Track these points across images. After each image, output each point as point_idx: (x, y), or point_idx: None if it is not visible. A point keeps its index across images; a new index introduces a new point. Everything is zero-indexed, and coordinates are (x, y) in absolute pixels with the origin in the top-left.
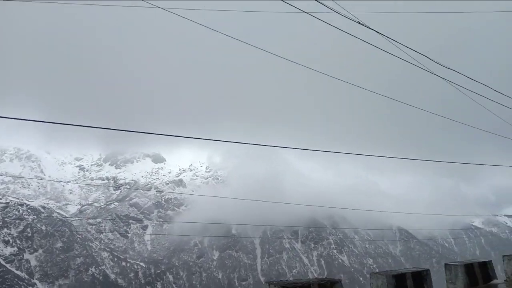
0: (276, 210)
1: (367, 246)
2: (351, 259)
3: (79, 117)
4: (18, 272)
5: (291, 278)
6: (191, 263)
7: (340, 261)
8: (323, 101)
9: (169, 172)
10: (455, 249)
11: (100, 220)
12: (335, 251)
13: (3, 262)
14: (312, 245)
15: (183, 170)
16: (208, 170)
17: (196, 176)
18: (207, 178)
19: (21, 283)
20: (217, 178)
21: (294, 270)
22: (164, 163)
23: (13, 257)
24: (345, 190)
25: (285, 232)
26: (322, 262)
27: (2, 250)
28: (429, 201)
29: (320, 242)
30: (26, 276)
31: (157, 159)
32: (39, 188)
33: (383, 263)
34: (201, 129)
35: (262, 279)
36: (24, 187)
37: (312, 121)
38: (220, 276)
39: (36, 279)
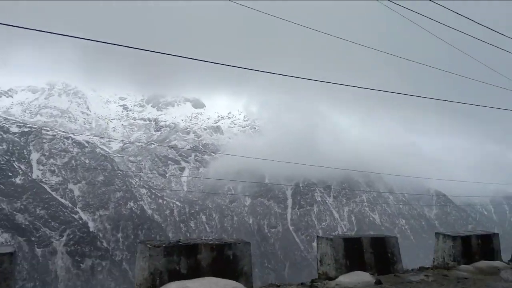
0: (311, 162)
1: (401, 206)
2: (382, 217)
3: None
4: (62, 200)
5: (319, 231)
6: (223, 207)
7: (371, 218)
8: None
9: (208, 118)
10: (494, 218)
11: (140, 158)
12: (367, 208)
13: (49, 190)
14: (344, 200)
15: (221, 117)
16: (246, 119)
17: (234, 124)
18: (245, 127)
19: (65, 210)
20: (254, 128)
21: (324, 223)
22: (204, 109)
23: (58, 186)
24: (383, 148)
25: (318, 185)
26: (353, 218)
27: (48, 179)
28: (471, 166)
29: (353, 199)
30: (70, 205)
31: (197, 104)
32: (85, 124)
33: (416, 225)
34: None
35: (291, 228)
36: (71, 122)
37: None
38: (250, 221)
39: (78, 208)
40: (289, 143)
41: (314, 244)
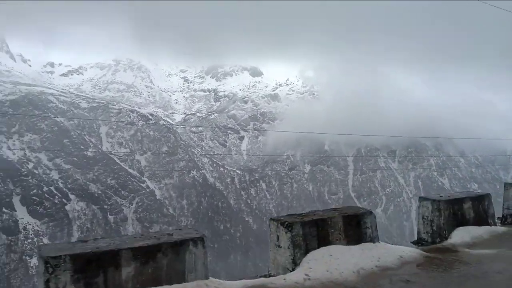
0: (373, 128)
1: (473, 170)
2: (452, 182)
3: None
4: (131, 170)
5: (383, 197)
6: (283, 174)
7: (440, 183)
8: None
9: (266, 86)
10: None
11: (201, 129)
12: (435, 173)
13: (117, 161)
14: (410, 165)
15: (280, 85)
16: (304, 85)
17: (292, 91)
18: (303, 93)
19: (133, 179)
20: (313, 94)
21: (388, 189)
22: (261, 77)
23: (126, 157)
24: (453, 109)
25: (381, 151)
26: (420, 183)
27: (117, 151)
28: None
29: (420, 163)
30: (137, 174)
31: (255, 72)
32: (149, 97)
33: (490, 189)
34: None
35: (352, 194)
36: (136, 96)
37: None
38: (310, 188)
39: (145, 177)
40: (349, 108)
41: (378, 210)
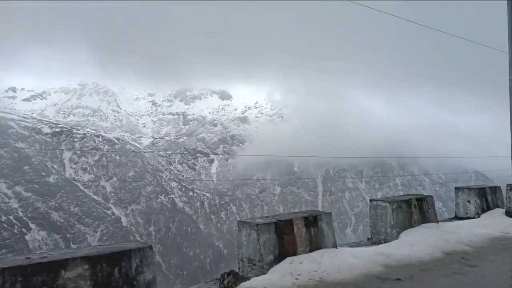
0: (340, 149)
1: (437, 189)
2: None
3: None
4: (95, 197)
5: (352, 217)
6: (253, 197)
7: None
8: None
9: (235, 109)
10: None
11: (170, 152)
12: (401, 192)
13: (81, 187)
14: (377, 185)
15: (248, 107)
16: (273, 108)
17: (261, 113)
18: (272, 115)
19: (97, 206)
20: (282, 116)
21: (356, 209)
22: (231, 100)
23: (90, 183)
24: (415, 129)
25: (349, 171)
26: None
27: (80, 176)
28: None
29: (386, 183)
30: (102, 201)
31: (224, 95)
32: (116, 121)
33: (454, 207)
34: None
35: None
36: (102, 120)
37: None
38: (281, 210)
39: (111, 203)
40: (317, 130)
41: (347, 231)
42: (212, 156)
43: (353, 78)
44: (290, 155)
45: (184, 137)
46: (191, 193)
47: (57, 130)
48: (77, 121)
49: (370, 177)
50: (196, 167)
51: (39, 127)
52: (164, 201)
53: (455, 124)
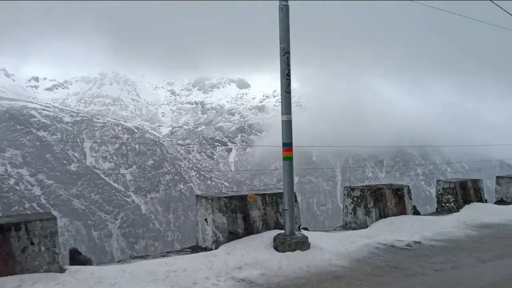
0: (360, 138)
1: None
2: None
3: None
4: (115, 185)
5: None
6: (271, 185)
7: (427, 193)
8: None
9: (253, 98)
10: None
11: (189, 141)
12: (422, 182)
13: (102, 175)
14: (398, 175)
15: (267, 96)
16: (293, 96)
17: (280, 102)
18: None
19: (118, 194)
20: (300, 105)
21: None
22: (249, 89)
23: (110, 171)
24: (437, 118)
25: (369, 161)
26: None
27: (101, 165)
28: None
29: (407, 173)
30: (122, 189)
31: (242, 84)
32: (135, 110)
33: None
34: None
35: (341, 205)
36: (122, 109)
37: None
38: (299, 200)
39: (131, 191)
40: (336, 118)
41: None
42: (230, 145)
43: (372, 65)
44: (309, 145)
45: (203, 126)
46: (209, 182)
47: (78, 119)
48: (98, 110)
49: (390, 166)
50: (214, 156)
51: (60, 116)
52: (182, 190)
53: (479, 113)
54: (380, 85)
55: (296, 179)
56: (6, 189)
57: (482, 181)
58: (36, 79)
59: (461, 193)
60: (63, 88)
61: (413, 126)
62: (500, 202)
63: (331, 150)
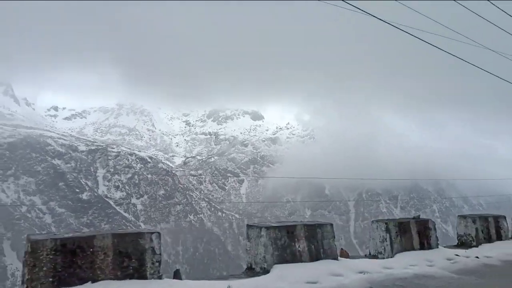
0: (373, 172)
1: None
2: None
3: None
4: (126, 214)
5: None
6: (282, 219)
7: (444, 230)
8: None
9: (267, 130)
10: None
11: (201, 172)
12: (439, 219)
13: (113, 204)
14: (413, 211)
15: (280, 128)
16: (305, 129)
17: (293, 134)
18: (303, 137)
19: (128, 224)
20: (313, 138)
21: None
22: (262, 121)
23: (122, 200)
24: (452, 154)
25: (383, 196)
26: None
27: (113, 194)
28: None
29: (422, 209)
30: (133, 218)
31: (256, 116)
32: (150, 140)
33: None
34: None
35: (354, 241)
36: (137, 139)
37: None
38: None
39: (141, 221)
40: (348, 152)
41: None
42: (242, 177)
43: (384, 98)
44: (321, 177)
45: (215, 157)
46: (220, 213)
47: (93, 148)
48: (114, 140)
49: (405, 202)
50: (226, 187)
51: (75, 144)
52: (193, 221)
53: (495, 148)
54: (392, 118)
55: (308, 213)
56: (18, 216)
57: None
58: (56, 108)
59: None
60: (81, 118)
61: (427, 160)
62: None
63: (344, 184)
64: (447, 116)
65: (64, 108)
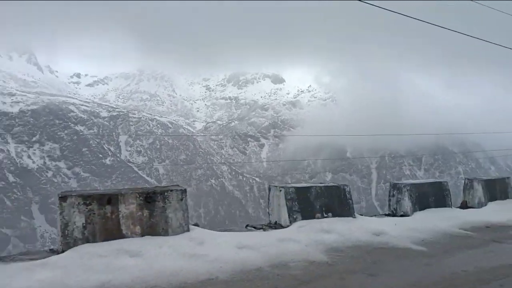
0: (397, 134)
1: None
2: None
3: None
4: (148, 178)
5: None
6: (303, 182)
7: None
8: None
9: (287, 93)
10: None
11: (221, 136)
12: (463, 181)
13: (136, 169)
14: (437, 173)
15: (302, 91)
16: (327, 91)
17: (314, 97)
18: (326, 99)
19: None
20: (335, 100)
21: None
22: (283, 84)
23: (144, 165)
24: (480, 114)
25: (406, 158)
26: None
27: (135, 159)
28: None
29: (447, 171)
30: (155, 183)
31: (276, 79)
32: (171, 106)
33: None
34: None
35: (376, 203)
36: (159, 104)
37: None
38: None
39: (163, 185)
40: (371, 113)
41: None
42: (262, 141)
43: (407, 55)
44: (343, 134)
45: (236, 122)
46: (240, 177)
47: (114, 114)
48: (136, 106)
49: (429, 164)
50: (247, 152)
51: (97, 111)
52: (214, 184)
53: None
54: (415, 77)
55: (329, 176)
56: (44, 181)
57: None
58: (78, 75)
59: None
60: (103, 84)
61: (453, 121)
62: None
63: (366, 146)
64: (475, 74)
65: (86, 75)
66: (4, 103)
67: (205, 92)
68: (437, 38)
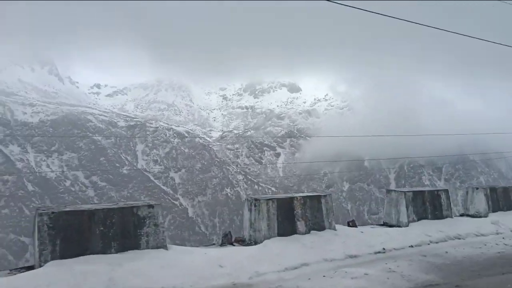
0: (415, 143)
1: None
2: None
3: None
4: (164, 188)
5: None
6: (319, 192)
7: None
8: None
9: (304, 102)
10: None
11: (237, 146)
12: None
13: (152, 178)
14: (458, 184)
15: (318, 100)
16: (344, 100)
17: (331, 106)
18: (342, 108)
19: (166, 196)
20: (352, 109)
21: None
22: (300, 93)
23: (160, 174)
24: (502, 123)
25: (426, 168)
26: None
27: (151, 168)
28: None
29: (468, 181)
30: (171, 192)
31: (293, 88)
32: (188, 115)
33: None
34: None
35: None
36: (176, 114)
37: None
38: (349, 207)
39: (179, 194)
40: (390, 122)
41: None
42: (278, 150)
43: (424, 62)
44: (360, 149)
45: (252, 131)
46: (256, 187)
47: (132, 123)
48: (153, 115)
49: (450, 174)
50: (263, 161)
51: (115, 120)
52: (229, 194)
53: None
54: (433, 85)
55: (346, 186)
56: (62, 190)
57: None
58: (98, 86)
59: None
60: (122, 95)
61: (475, 129)
62: None
63: (384, 155)
64: (495, 83)
65: (106, 86)
66: (25, 113)
67: (222, 101)
68: (454, 44)
